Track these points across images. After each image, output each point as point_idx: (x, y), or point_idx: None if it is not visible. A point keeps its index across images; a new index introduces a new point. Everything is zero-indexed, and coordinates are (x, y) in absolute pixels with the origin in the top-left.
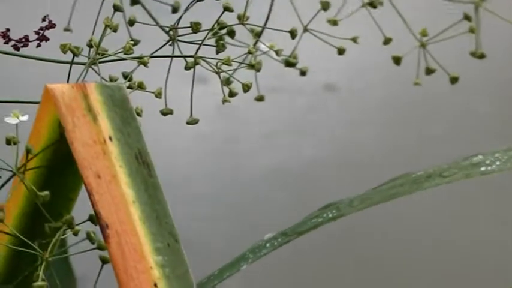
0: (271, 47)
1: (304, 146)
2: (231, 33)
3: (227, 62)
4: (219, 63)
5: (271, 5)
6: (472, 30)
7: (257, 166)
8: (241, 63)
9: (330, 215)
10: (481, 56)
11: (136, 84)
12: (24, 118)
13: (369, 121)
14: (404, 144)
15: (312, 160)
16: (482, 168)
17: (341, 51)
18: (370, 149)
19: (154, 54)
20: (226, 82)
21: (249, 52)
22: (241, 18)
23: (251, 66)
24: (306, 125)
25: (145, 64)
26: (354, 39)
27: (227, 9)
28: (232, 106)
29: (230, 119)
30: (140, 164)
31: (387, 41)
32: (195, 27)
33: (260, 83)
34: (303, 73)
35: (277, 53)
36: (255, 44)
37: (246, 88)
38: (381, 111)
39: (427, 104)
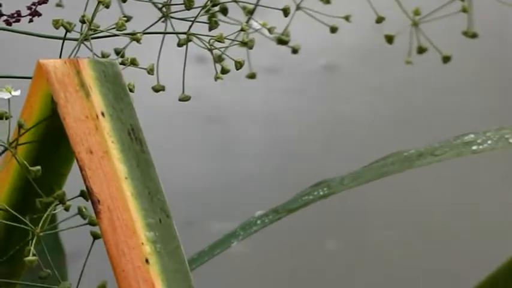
0: (263, 25)
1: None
2: (224, 11)
3: (220, 39)
4: (211, 41)
5: None
6: (464, 10)
7: (253, 142)
8: (234, 40)
9: (321, 193)
10: (473, 36)
11: (129, 60)
12: (17, 93)
13: (361, 99)
14: (401, 124)
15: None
16: (474, 147)
17: (333, 30)
18: (366, 126)
19: (147, 31)
20: (219, 59)
21: (242, 29)
22: None
23: (244, 43)
24: (302, 104)
25: (137, 40)
26: (347, 18)
27: None
28: (230, 85)
29: (227, 97)
30: (132, 139)
31: (380, 20)
32: (188, 4)
33: (260, 63)
34: (295, 51)
35: (270, 30)
36: (247, 22)
37: (239, 65)
38: (373, 90)
39: (418, 82)
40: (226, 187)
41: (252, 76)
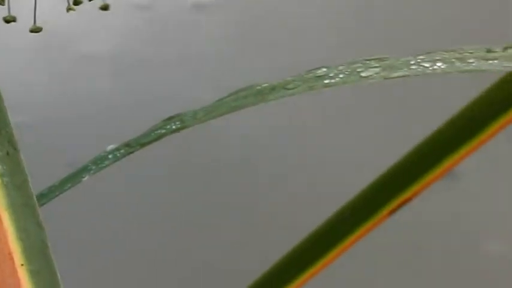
0: None
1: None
2: None
3: None
4: None
5: None
6: None
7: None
8: None
9: (174, 127)
10: None
11: None
12: None
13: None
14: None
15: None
16: (326, 81)
17: None
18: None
19: None
20: None
21: None
22: None
23: None
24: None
25: None
26: None
27: None
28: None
29: (88, 29)
30: None
31: None
32: None
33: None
34: None
35: None
36: None
37: None
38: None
39: (273, 18)
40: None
41: (105, 8)
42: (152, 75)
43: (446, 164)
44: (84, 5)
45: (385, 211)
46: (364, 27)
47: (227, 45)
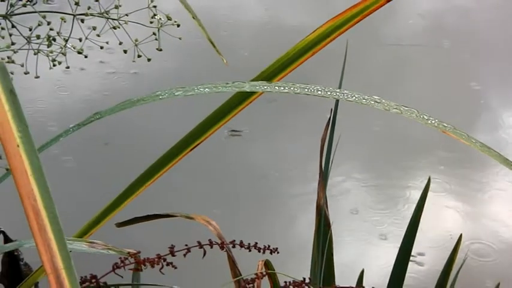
0: None
1: None
2: None
3: None
4: None
5: None
6: None
7: None
8: None
9: (97, 116)
10: None
11: None
12: None
13: None
14: None
15: None
16: (160, 97)
17: None
18: None
19: None
20: None
21: None
22: None
23: None
24: None
25: None
26: None
27: None
28: None
29: None
30: None
31: None
32: None
33: None
34: None
35: None
36: None
37: None
38: None
39: None
40: None
41: None
42: None
43: (212, 130)
44: None
45: (189, 148)
46: None
47: None
